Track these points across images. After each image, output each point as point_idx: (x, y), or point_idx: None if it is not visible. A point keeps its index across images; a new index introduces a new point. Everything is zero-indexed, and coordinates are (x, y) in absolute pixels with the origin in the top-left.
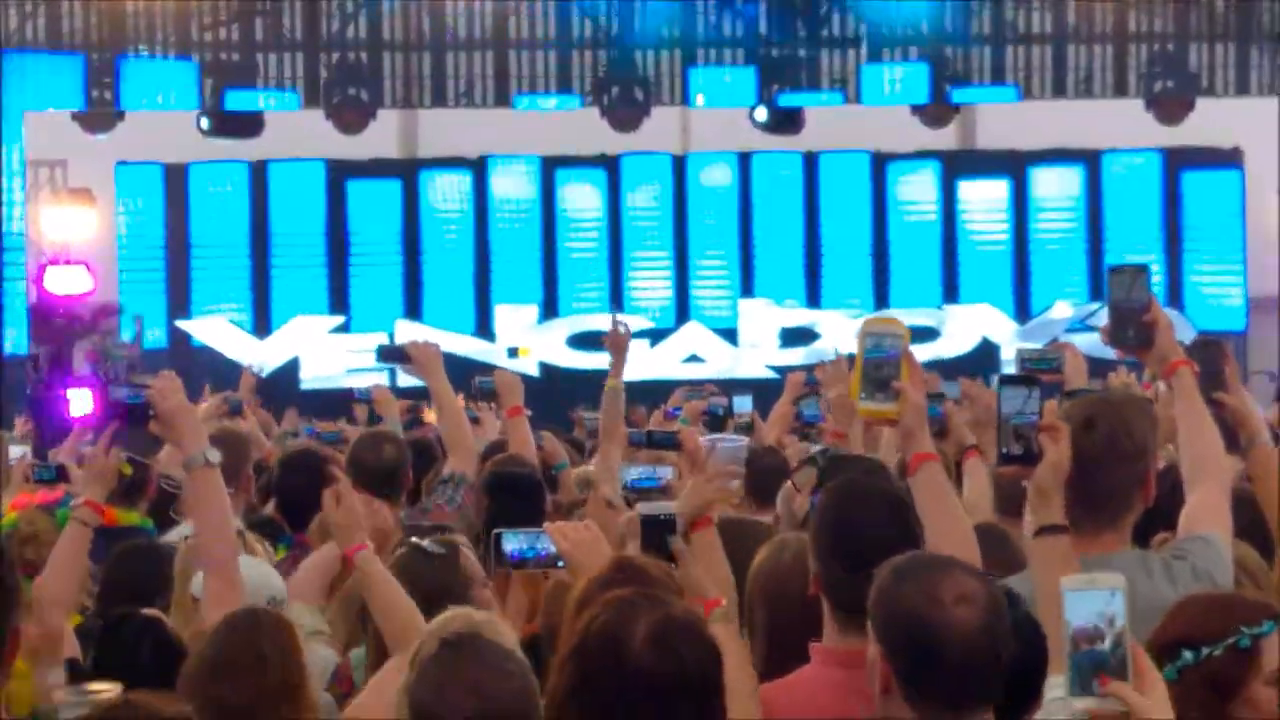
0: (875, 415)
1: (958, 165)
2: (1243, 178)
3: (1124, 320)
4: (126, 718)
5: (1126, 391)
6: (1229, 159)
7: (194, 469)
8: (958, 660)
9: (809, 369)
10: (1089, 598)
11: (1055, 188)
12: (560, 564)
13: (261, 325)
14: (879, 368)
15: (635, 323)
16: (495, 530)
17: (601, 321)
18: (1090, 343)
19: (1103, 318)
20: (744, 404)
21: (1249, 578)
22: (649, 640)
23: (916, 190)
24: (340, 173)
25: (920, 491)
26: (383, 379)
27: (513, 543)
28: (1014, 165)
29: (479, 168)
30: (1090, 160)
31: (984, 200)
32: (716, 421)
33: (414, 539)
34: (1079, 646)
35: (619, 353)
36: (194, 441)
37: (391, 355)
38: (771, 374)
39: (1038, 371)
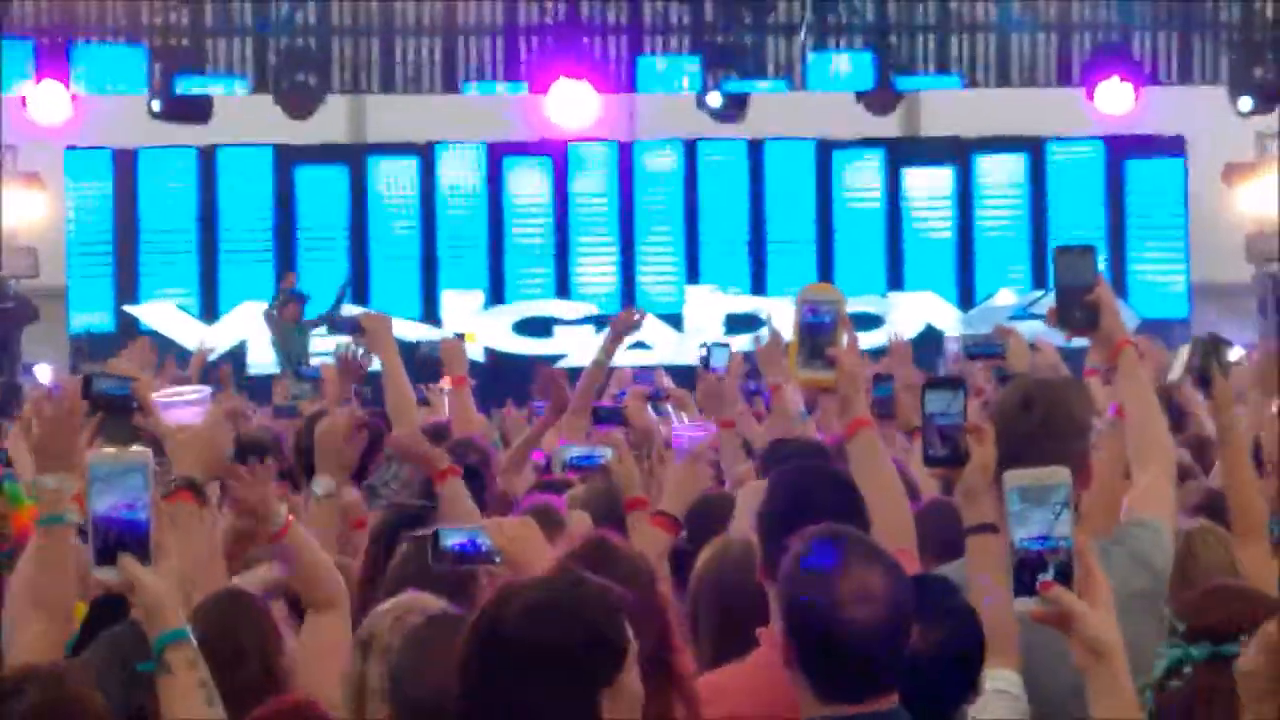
0: (813, 383)
1: (902, 153)
2: (1185, 166)
3: (1070, 301)
4: None
5: (1060, 371)
6: (1172, 147)
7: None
8: (854, 656)
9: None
10: (1033, 497)
11: (999, 176)
12: (498, 560)
13: (209, 310)
14: (816, 335)
15: (581, 309)
16: (434, 528)
17: (547, 307)
18: (1034, 330)
19: (1048, 302)
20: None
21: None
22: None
23: (861, 178)
24: (288, 158)
25: (856, 457)
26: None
27: (451, 539)
28: (958, 153)
29: (426, 153)
30: (1034, 148)
31: (928, 188)
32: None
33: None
34: (1022, 548)
35: (617, 336)
36: (174, 434)
37: (343, 326)
38: None
39: (981, 357)
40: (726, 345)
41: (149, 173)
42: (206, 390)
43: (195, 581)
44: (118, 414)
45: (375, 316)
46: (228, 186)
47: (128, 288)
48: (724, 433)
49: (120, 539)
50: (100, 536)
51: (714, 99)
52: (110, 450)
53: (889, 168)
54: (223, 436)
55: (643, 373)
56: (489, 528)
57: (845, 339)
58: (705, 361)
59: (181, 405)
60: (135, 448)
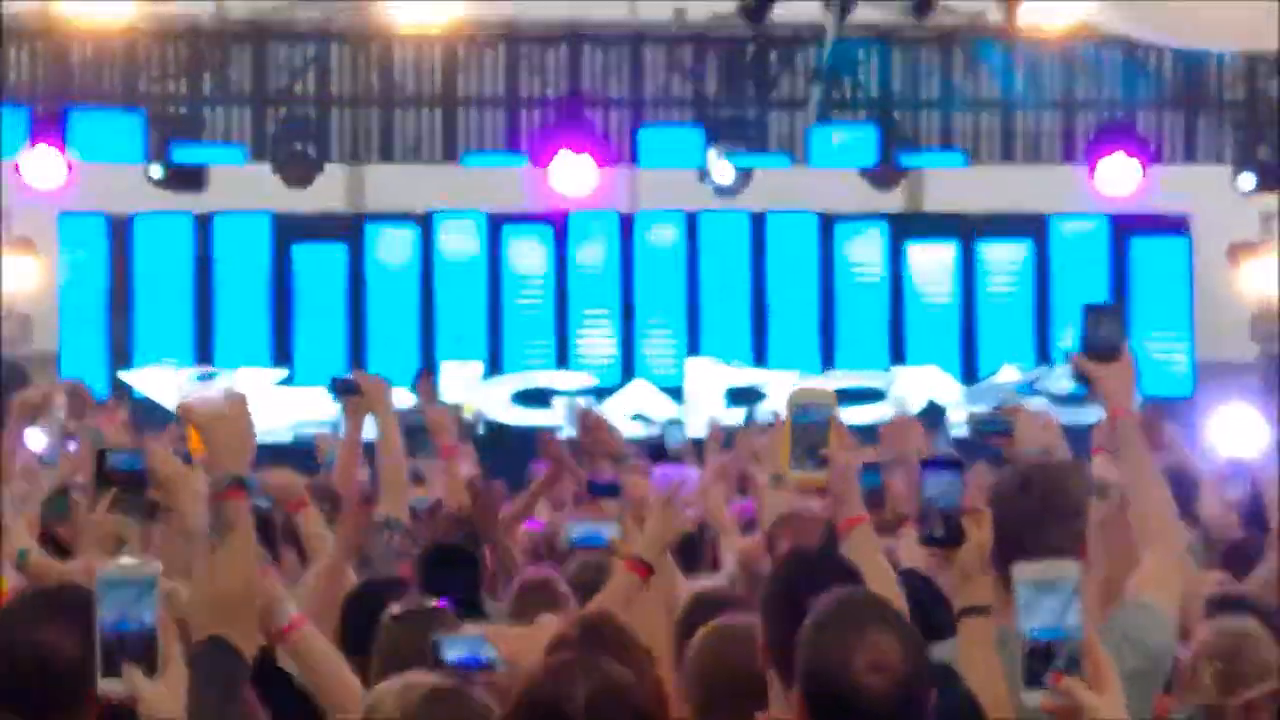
0: (805, 482)
1: (905, 228)
2: (1190, 244)
3: (1096, 352)
4: None
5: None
6: (1176, 225)
7: (192, 537)
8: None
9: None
10: (1043, 589)
11: (1003, 252)
12: (500, 668)
13: (209, 369)
14: (808, 435)
15: (581, 380)
16: (434, 639)
17: (546, 378)
18: (1036, 406)
19: (1052, 378)
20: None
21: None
22: (588, 708)
23: (864, 252)
24: (286, 227)
25: (853, 555)
26: (325, 433)
27: (453, 650)
28: (961, 229)
29: (425, 223)
30: (1038, 225)
31: (931, 263)
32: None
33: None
34: (1032, 640)
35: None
36: (193, 509)
37: (343, 388)
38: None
39: (990, 434)
40: (680, 423)
41: (144, 239)
42: (219, 373)
43: (249, 597)
44: (132, 488)
45: (373, 379)
46: (224, 254)
47: (121, 353)
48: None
49: (126, 650)
50: (107, 648)
51: (722, 172)
52: (120, 563)
53: (892, 242)
54: (251, 425)
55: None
56: (492, 636)
57: (837, 438)
58: (661, 440)
59: (201, 387)
60: (145, 561)
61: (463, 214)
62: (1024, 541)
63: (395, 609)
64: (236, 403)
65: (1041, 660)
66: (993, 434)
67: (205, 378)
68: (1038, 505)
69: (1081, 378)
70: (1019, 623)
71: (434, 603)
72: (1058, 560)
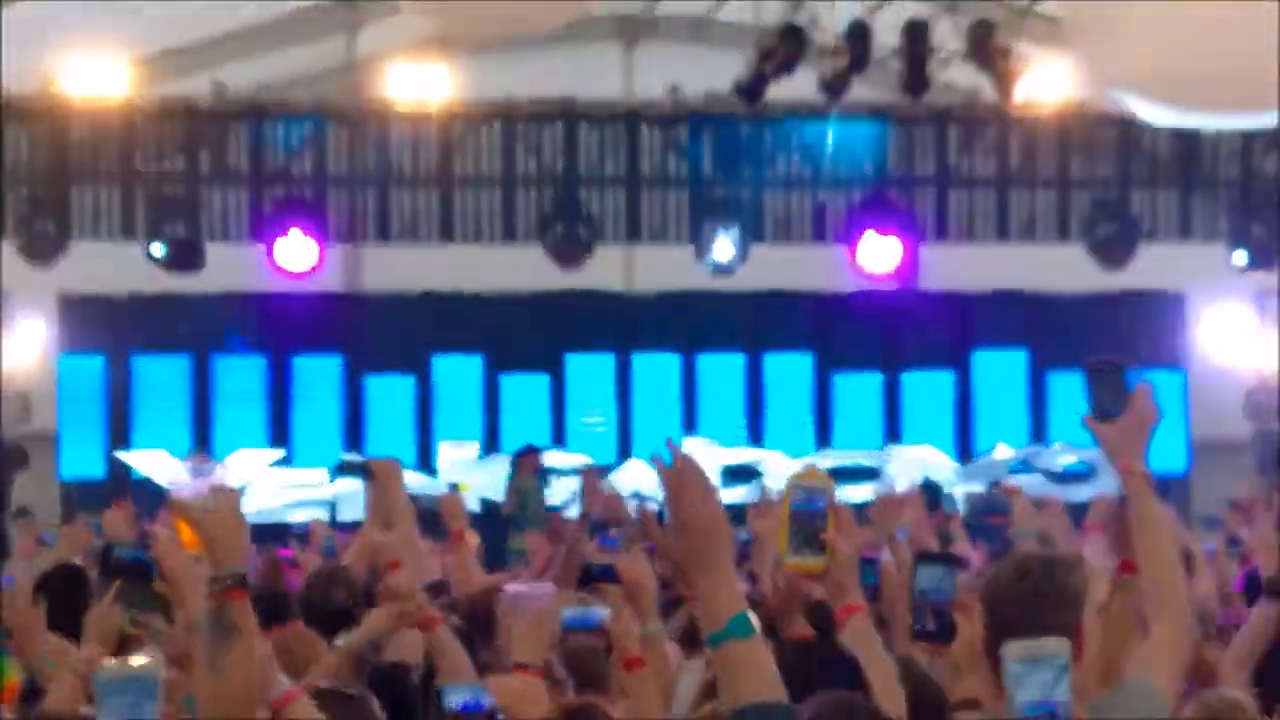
0: (803, 569)
1: (901, 306)
2: (1185, 321)
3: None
4: None
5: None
6: (1172, 302)
7: (194, 631)
8: None
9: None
10: (1032, 666)
11: (999, 329)
12: (500, 717)
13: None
14: (807, 522)
15: (578, 459)
16: (437, 686)
17: (544, 457)
18: (1032, 484)
19: (1047, 456)
20: None
21: None
22: None
23: (859, 331)
24: (283, 305)
25: (851, 642)
26: (322, 514)
27: (454, 697)
28: (958, 306)
29: (424, 299)
30: (1032, 302)
31: (926, 340)
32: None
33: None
34: (1022, 715)
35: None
36: (196, 603)
37: (353, 469)
38: None
39: (987, 515)
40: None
41: (143, 319)
42: (214, 464)
43: (254, 696)
44: (137, 580)
45: (385, 462)
46: (219, 337)
47: (120, 434)
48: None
49: None
50: None
51: (721, 250)
52: (117, 661)
53: (887, 321)
54: (243, 519)
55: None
56: (492, 686)
57: (835, 525)
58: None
59: (195, 480)
60: (145, 659)
61: (461, 295)
62: (1019, 628)
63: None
64: (228, 497)
65: None
66: (990, 514)
67: (197, 470)
68: (1034, 594)
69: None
70: (1009, 699)
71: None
72: (1046, 639)
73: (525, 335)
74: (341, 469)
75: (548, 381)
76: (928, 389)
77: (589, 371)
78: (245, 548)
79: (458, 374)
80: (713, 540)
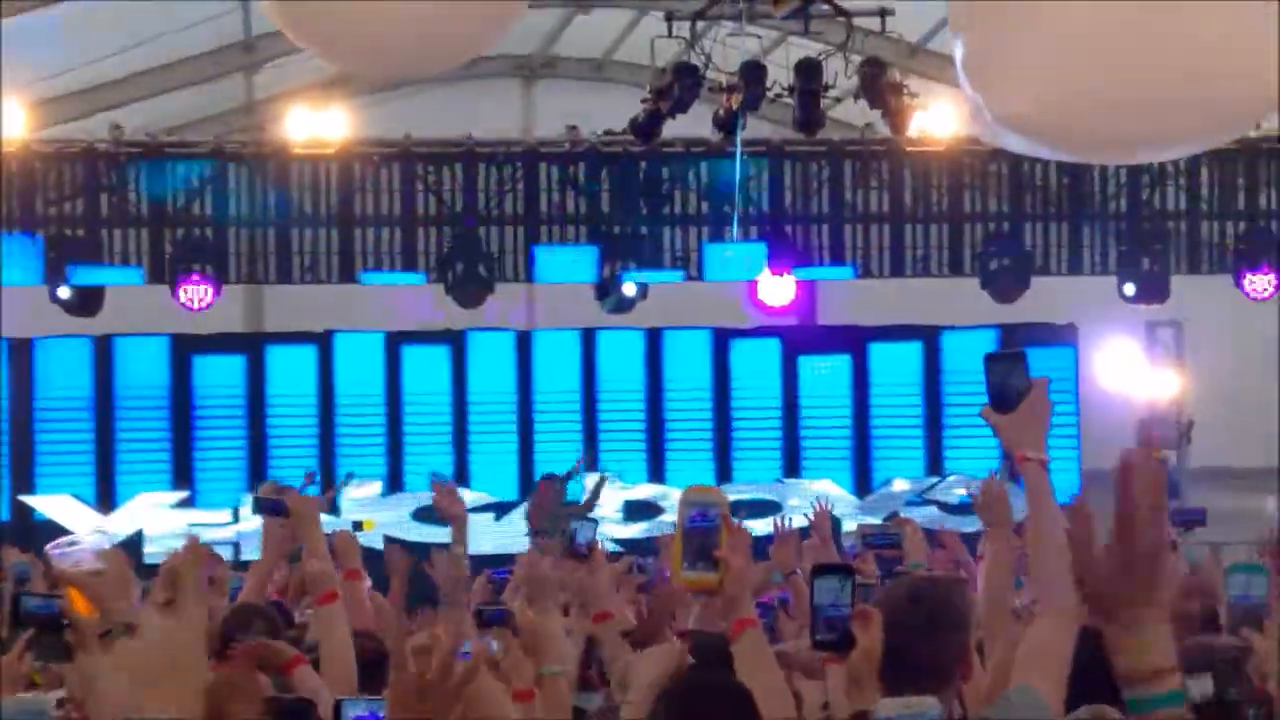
0: (696, 584)
1: (798, 342)
2: (1076, 354)
3: (1002, 401)
4: None
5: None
6: (1063, 336)
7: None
8: None
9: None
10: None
11: (894, 364)
12: None
13: (106, 500)
14: (700, 537)
15: (480, 498)
16: (337, 699)
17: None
18: (928, 516)
19: (942, 490)
20: None
21: None
22: None
23: (757, 365)
24: (185, 348)
25: (742, 657)
26: (225, 553)
27: (354, 710)
28: (853, 342)
29: (324, 343)
30: (929, 337)
31: (823, 376)
32: None
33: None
34: None
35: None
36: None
37: (268, 508)
38: (615, 547)
39: (879, 548)
40: (595, 521)
41: (44, 362)
42: (103, 537)
43: None
44: (48, 631)
45: (303, 500)
46: (124, 376)
47: (23, 478)
48: (601, 625)
49: None
50: None
51: (628, 289)
52: (17, 698)
53: (785, 356)
54: (129, 573)
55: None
56: (389, 699)
57: (728, 540)
58: (571, 537)
59: (79, 552)
60: (39, 694)
61: (361, 335)
62: (910, 651)
63: None
64: (112, 557)
65: None
66: (882, 547)
67: (69, 545)
68: (925, 620)
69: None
70: None
71: None
72: (919, 698)
73: (426, 380)
74: (258, 509)
75: (450, 420)
76: (824, 422)
77: (489, 420)
78: (132, 598)
79: (359, 413)
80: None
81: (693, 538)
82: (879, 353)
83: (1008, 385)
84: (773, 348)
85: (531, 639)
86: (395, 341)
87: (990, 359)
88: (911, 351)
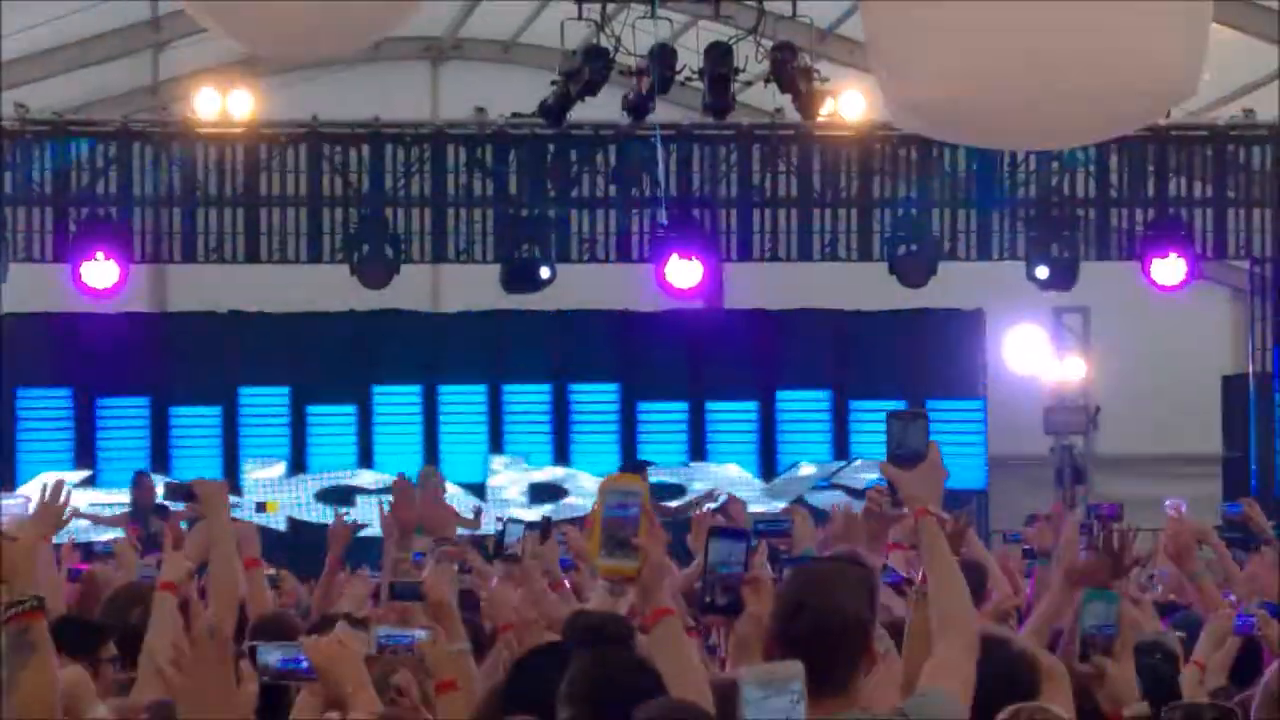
0: (614, 572)
1: (705, 324)
2: (983, 340)
3: (902, 458)
4: None
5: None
6: (971, 321)
7: None
8: None
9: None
10: (770, 690)
11: (801, 349)
12: (314, 677)
13: (7, 480)
14: (619, 526)
15: (384, 479)
16: (251, 644)
17: (348, 477)
18: (833, 499)
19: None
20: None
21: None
22: None
23: (664, 349)
24: (86, 326)
25: (658, 646)
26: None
27: (270, 655)
28: (762, 325)
29: (230, 321)
30: (835, 320)
31: (731, 359)
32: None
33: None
34: None
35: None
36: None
37: (177, 492)
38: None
39: (768, 535)
40: (521, 523)
41: None
42: (24, 498)
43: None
44: None
45: (210, 484)
46: (24, 356)
47: None
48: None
49: None
50: None
51: (679, 274)
52: None
53: (691, 339)
54: (34, 548)
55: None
56: (306, 646)
57: (647, 529)
58: (501, 538)
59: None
60: None
61: (266, 314)
62: (800, 658)
63: None
64: (28, 525)
65: None
66: (772, 535)
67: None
68: (810, 629)
69: (890, 484)
70: None
71: None
72: (784, 663)
73: (332, 361)
74: (167, 493)
75: (354, 410)
76: (732, 408)
77: (395, 401)
78: (41, 574)
79: (262, 395)
80: None
81: (612, 526)
82: (786, 338)
83: (906, 443)
84: (680, 331)
85: (439, 610)
86: (300, 321)
87: (892, 417)
88: (819, 334)
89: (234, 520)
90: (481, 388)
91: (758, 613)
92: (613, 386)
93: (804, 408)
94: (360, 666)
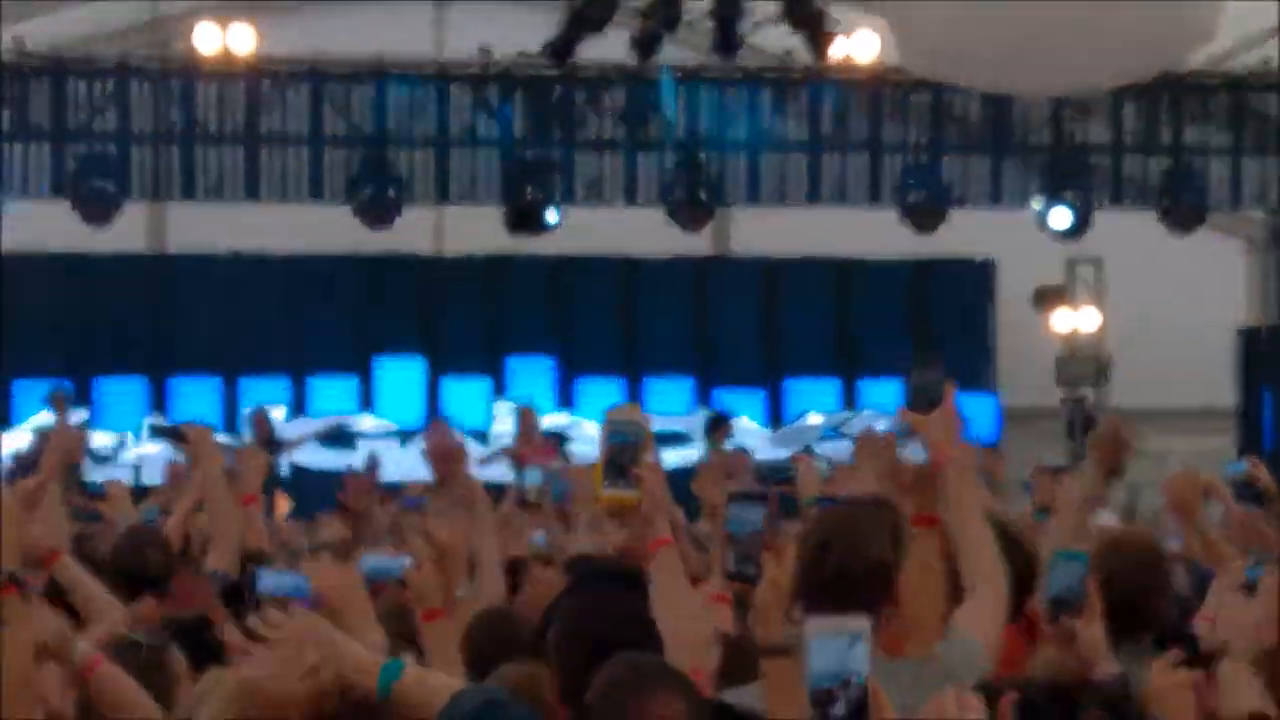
0: (616, 502)
1: (712, 272)
2: (994, 289)
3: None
4: None
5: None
6: (981, 270)
7: None
8: None
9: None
10: (831, 643)
11: (808, 297)
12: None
13: (2, 420)
14: (620, 455)
15: (384, 424)
16: (252, 566)
17: (350, 421)
18: (841, 450)
19: (856, 424)
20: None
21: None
22: None
23: (670, 297)
24: (86, 266)
25: (657, 575)
26: (124, 475)
27: (270, 580)
28: (767, 273)
29: (232, 265)
30: (842, 269)
31: (737, 308)
32: None
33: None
34: (818, 696)
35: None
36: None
37: (165, 434)
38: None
39: (773, 483)
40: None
41: None
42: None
43: (30, 689)
44: None
45: (197, 427)
46: (23, 295)
47: None
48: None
49: None
50: None
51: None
52: None
53: (696, 287)
54: (25, 518)
55: None
56: (309, 572)
57: (648, 459)
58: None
59: None
60: None
61: (267, 258)
62: (827, 601)
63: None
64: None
65: (824, 706)
66: (777, 482)
67: None
68: (834, 571)
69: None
70: (806, 670)
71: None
72: (847, 617)
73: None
74: (154, 433)
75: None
76: (738, 354)
77: (396, 336)
78: (17, 548)
79: (264, 338)
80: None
81: (613, 457)
82: (792, 286)
83: (924, 386)
84: (686, 278)
85: (445, 553)
86: (301, 263)
87: (909, 365)
88: (826, 283)
89: (243, 453)
90: (485, 332)
91: (775, 578)
92: (618, 334)
93: (812, 356)
94: (364, 596)
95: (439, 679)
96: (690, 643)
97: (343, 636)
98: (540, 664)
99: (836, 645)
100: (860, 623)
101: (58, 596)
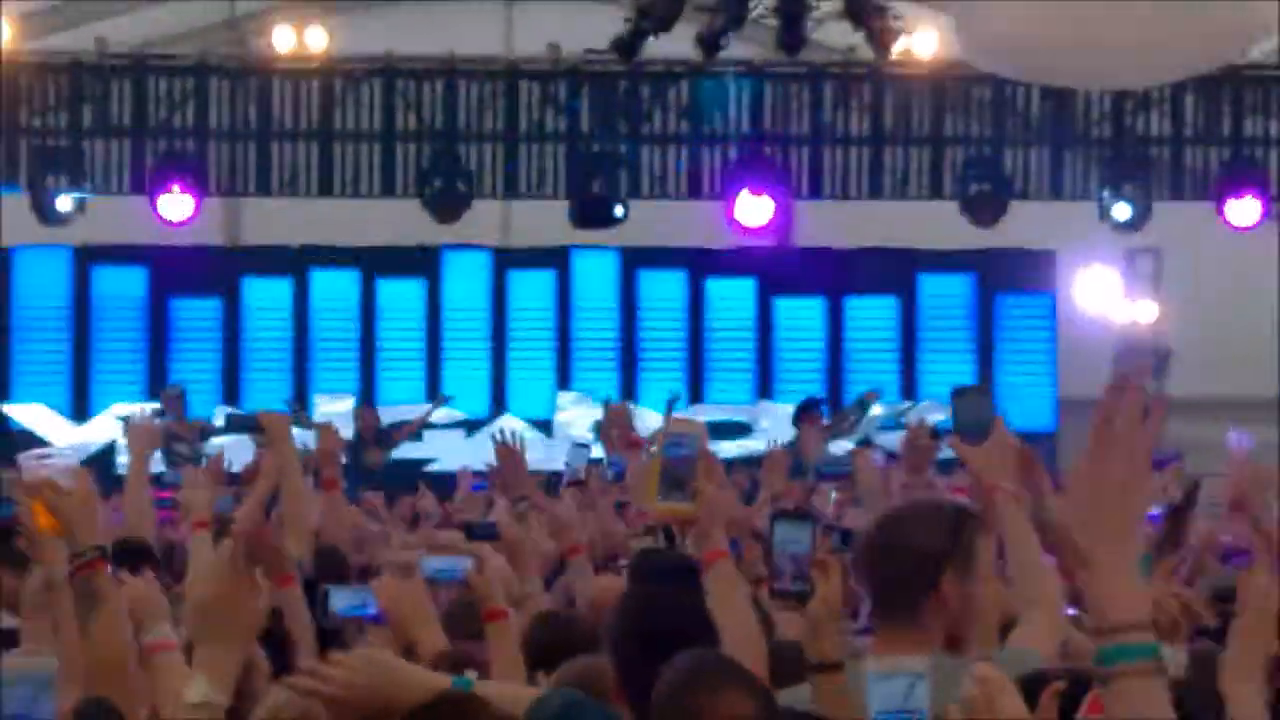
0: (672, 514)
1: (773, 265)
2: (1055, 280)
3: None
4: None
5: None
6: (1042, 262)
7: (54, 588)
8: None
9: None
10: (892, 684)
11: (870, 286)
12: (381, 621)
13: (80, 411)
14: (677, 468)
15: (451, 415)
16: (324, 586)
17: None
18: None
19: (915, 415)
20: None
21: None
22: None
23: (730, 290)
24: (163, 264)
25: (713, 587)
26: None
27: (340, 600)
28: (830, 265)
29: (300, 260)
30: (905, 259)
31: (797, 302)
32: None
33: None
34: None
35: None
36: (58, 563)
37: (241, 424)
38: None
39: (831, 477)
40: (586, 445)
41: (23, 272)
42: (75, 455)
43: (126, 661)
44: (1, 537)
45: (274, 415)
46: (102, 287)
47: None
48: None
49: None
50: None
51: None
52: (16, 660)
53: (760, 284)
54: (95, 496)
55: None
56: (375, 588)
57: (706, 472)
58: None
59: (52, 465)
60: (40, 656)
61: (338, 249)
62: (875, 592)
63: None
64: (81, 477)
65: None
66: (834, 477)
67: (44, 459)
68: (880, 559)
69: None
70: (866, 708)
71: None
72: (906, 658)
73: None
74: (229, 425)
75: (423, 337)
76: (800, 346)
77: (462, 328)
78: (99, 523)
79: (333, 329)
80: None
81: (670, 468)
82: (855, 277)
83: (972, 417)
84: (749, 269)
85: (514, 550)
86: (371, 256)
87: (956, 392)
88: (888, 273)
89: (325, 435)
90: (550, 323)
91: (827, 594)
92: (680, 323)
93: (871, 348)
94: (427, 606)
95: (506, 688)
96: (745, 655)
97: (407, 666)
98: (601, 659)
99: (897, 685)
100: (919, 663)
101: None
